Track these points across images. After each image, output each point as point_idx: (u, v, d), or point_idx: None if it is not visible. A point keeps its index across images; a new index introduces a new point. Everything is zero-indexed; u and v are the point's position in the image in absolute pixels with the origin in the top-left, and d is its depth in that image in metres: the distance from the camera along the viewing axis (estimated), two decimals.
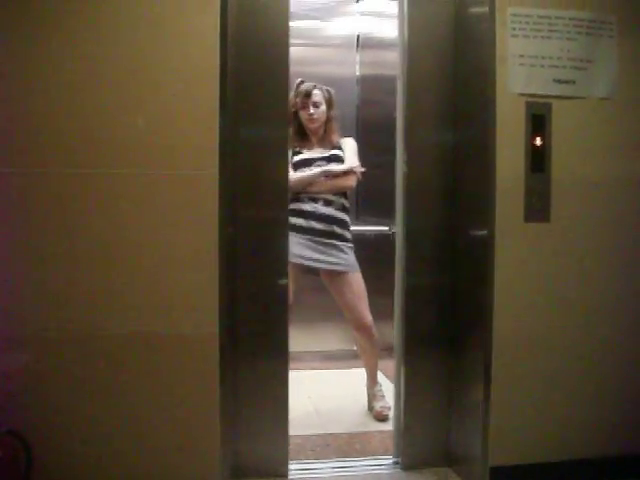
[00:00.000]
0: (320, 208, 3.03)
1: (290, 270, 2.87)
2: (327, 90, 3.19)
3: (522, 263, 2.23)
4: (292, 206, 3.01)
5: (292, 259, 2.90)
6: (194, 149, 2.04)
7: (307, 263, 3.03)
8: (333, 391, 3.63)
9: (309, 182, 3.02)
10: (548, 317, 2.27)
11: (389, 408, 3.08)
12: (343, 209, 3.11)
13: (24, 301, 1.99)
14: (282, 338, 2.38)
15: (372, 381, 3.26)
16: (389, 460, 2.55)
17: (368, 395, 3.27)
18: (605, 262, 2.29)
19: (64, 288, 2.00)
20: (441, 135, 2.44)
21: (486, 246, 2.20)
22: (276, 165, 2.35)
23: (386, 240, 4.06)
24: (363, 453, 2.68)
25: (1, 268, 1.99)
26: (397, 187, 2.51)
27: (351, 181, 3.08)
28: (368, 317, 3.08)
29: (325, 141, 3.17)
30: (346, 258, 3.07)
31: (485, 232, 2.20)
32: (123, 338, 2.03)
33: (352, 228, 3.18)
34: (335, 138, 3.19)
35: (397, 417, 2.55)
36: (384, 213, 4.19)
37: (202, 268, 2.04)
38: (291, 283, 2.89)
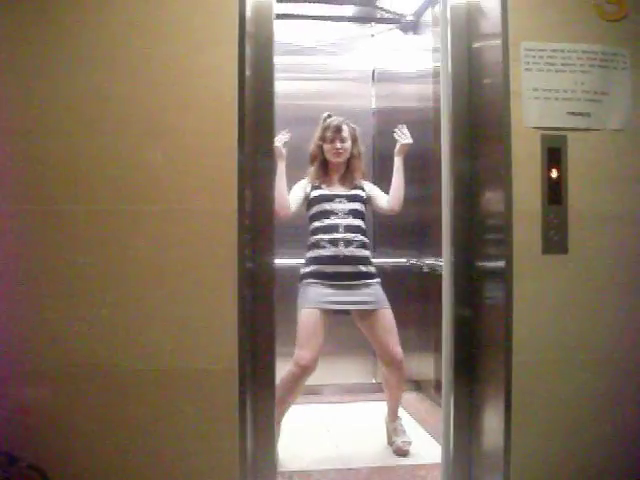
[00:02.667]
0: (342, 250, 2.99)
1: (321, 317, 2.91)
2: (353, 127, 3.22)
3: (540, 295, 2.22)
4: (312, 254, 3.04)
5: (323, 306, 2.92)
6: (212, 184, 2.06)
7: (338, 307, 2.99)
8: (352, 425, 3.60)
9: None
10: (567, 350, 2.24)
11: (410, 443, 3.10)
12: (363, 246, 3.06)
13: (43, 336, 2.02)
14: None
15: (394, 415, 3.23)
16: None
17: (388, 429, 3.24)
18: (624, 294, 2.28)
19: (83, 323, 2.02)
20: (461, 169, 2.45)
21: (504, 278, 2.19)
22: None
23: (403, 272, 4.08)
24: None
25: (20, 304, 2.02)
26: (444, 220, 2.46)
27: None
28: (399, 352, 3.03)
29: (346, 179, 3.17)
30: (375, 295, 3.04)
31: (503, 264, 2.20)
32: (142, 373, 2.04)
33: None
34: (358, 176, 3.19)
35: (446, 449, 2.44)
36: (401, 245, 4.22)
37: (221, 303, 2.05)
38: (322, 330, 2.91)
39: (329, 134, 3.11)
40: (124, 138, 2.04)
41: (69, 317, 2.02)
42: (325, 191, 3.10)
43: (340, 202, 3.05)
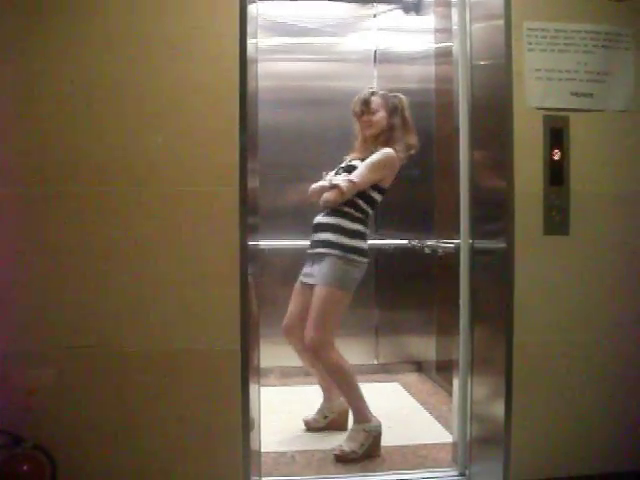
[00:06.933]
0: (320, 218, 2.88)
1: (298, 287, 2.94)
2: (394, 96, 2.99)
3: (542, 276, 2.22)
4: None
5: (300, 277, 2.95)
6: (215, 166, 2.07)
7: (302, 279, 2.94)
8: None
9: (316, 193, 2.91)
10: (569, 333, 2.25)
11: (346, 452, 2.73)
12: (335, 214, 2.82)
13: (50, 318, 2.03)
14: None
15: (353, 416, 2.90)
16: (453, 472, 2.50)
17: None
18: (626, 275, 2.28)
19: (89, 305, 2.04)
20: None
21: (505, 259, 2.19)
22: None
23: (405, 253, 4.08)
24: (383, 468, 2.68)
25: (27, 285, 2.03)
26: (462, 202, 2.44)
27: (331, 195, 2.79)
28: (310, 337, 2.75)
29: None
30: (318, 269, 2.79)
31: (504, 245, 2.20)
32: (146, 354, 2.06)
33: (370, 242, 3.05)
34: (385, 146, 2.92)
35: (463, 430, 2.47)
36: (403, 227, 4.21)
37: (224, 284, 2.06)
38: (297, 299, 2.93)
39: (357, 108, 2.97)
40: (126, 120, 2.04)
41: (75, 298, 2.03)
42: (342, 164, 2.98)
43: (338, 174, 2.91)
